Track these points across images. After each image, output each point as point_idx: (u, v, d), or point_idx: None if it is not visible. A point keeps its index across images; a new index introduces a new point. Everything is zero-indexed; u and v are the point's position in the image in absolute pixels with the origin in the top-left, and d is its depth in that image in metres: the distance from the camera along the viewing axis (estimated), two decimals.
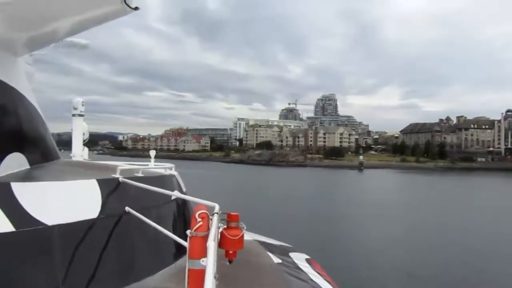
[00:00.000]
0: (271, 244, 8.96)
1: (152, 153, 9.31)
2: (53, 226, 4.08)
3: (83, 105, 11.62)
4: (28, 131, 5.97)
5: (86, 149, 12.20)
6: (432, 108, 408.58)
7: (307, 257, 8.79)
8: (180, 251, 5.19)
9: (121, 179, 5.31)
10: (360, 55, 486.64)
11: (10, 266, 3.73)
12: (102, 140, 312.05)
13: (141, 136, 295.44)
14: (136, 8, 4.39)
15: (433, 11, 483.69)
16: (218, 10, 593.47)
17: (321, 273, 7.71)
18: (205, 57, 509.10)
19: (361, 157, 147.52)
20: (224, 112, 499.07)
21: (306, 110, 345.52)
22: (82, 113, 11.57)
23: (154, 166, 8.06)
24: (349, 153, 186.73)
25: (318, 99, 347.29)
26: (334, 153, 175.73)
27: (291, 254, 8.52)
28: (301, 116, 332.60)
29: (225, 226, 3.49)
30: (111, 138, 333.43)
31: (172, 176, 7.43)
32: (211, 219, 3.09)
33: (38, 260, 3.94)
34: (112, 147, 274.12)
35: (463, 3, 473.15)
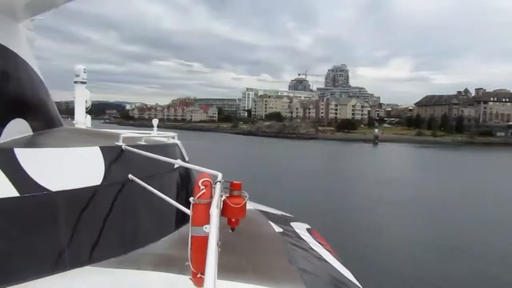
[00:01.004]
0: (273, 214, 8.98)
1: (155, 121, 9.21)
2: (57, 192, 4.14)
3: (85, 72, 11.30)
4: (31, 97, 5.83)
5: (89, 116, 11.99)
6: (443, 81, 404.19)
7: (308, 226, 8.76)
8: (183, 218, 5.24)
9: (124, 146, 5.30)
10: (371, 26, 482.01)
11: (15, 231, 3.78)
12: (110, 109, 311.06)
13: (148, 106, 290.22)
14: None
15: None
16: None
17: (322, 243, 7.67)
18: (213, 27, 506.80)
19: (376, 130, 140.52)
20: (232, 83, 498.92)
21: (316, 81, 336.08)
22: (84, 80, 11.29)
23: (156, 135, 8.04)
24: (362, 125, 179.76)
25: (329, 70, 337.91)
26: (347, 125, 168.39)
27: (292, 224, 8.46)
28: (311, 87, 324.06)
29: (228, 195, 3.49)
30: (119, 107, 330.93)
31: (174, 144, 7.42)
32: (214, 187, 3.08)
33: (42, 225, 3.99)
34: (119, 116, 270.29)
35: None
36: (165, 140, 7.57)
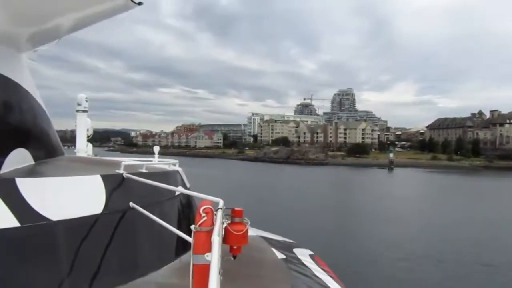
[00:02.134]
0: (275, 240, 8.92)
1: (156, 148, 9.53)
2: (58, 222, 4.12)
3: (86, 101, 11.41)
4: (32, 127, 5.87)
5: (90, 145, 12.02)
6: (448, 104, 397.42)
7: (311, 253, 8.66)
8: (184, 246, 5.21)
9: (125, 174, 5.32)
10: (374, 51, 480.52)
11: (15, 261, 3.76)
12: (115, 137, 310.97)
13: (153, 133, 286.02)
14: (139, 3, 4.43)
15: (450, 4, 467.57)
16: (230, 5, 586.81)
17: (325, 269, 7.65)
18: (218, 53, 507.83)
19: (391, 154, 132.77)
20: (237, 109, 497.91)
21: (322, 106, 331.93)
22: (86, 109, 11.40)
23: (158, 162, 8.13)
24: (373, 150, 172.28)
25: (335, 94, 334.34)
26: (358, 150, 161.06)
27: (295, 250, 8.42)
28: (317, 112, 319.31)
29: (229, 221, 3.51)
30: (124, 134, 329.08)
31: (176, 171, 7.45)
32: (215, 214, 3.08)
33: (43, 255, 3.97)
34: (123, 144, 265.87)
35: None
36: (166, 167, 7.60)
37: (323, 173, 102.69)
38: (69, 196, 4.56)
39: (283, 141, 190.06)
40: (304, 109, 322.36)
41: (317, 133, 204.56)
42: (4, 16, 4.35)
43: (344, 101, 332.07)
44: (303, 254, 8.25)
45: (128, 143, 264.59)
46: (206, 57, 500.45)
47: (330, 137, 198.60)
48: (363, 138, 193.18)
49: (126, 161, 6.12)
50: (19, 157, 5.20)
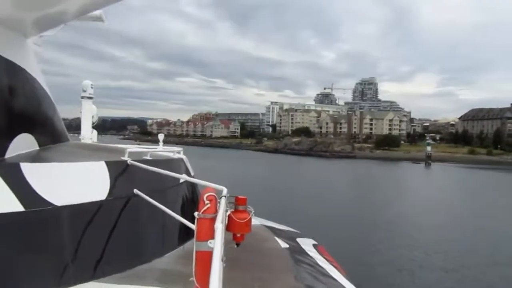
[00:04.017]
0: (279, 229, 8.88)
1: (161, 136, 9.24)
2: (62, 207, 4.14)
3: (92, 87, 11.43)
4: (37, 112, 5.90)
5: (95, 131, 12.04)
6: (470, 96, 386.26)
7: (315, 242, 8.66)
8: (187, 234, 5.16)
9: (129, 161, 5.32)
10: (395, 41, 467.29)
11: (20, 245, 3.80)
12: (132, 125, 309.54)
13: (170, 121, 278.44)
14: None
15: None
16: None
17: (329, 259, 7.62)
18: (236, 43, 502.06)
19: (428, 148, 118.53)
20: (254, 99, 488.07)
21: (342, 97, 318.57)
22: (91, 96, 11.41)
23: (162, 149, 8.04)
24: (402, 142, 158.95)
25: (357, 83, 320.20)
26: (387, 142, 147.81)
27: (299, 240, 8.41)
28: (337, 102, 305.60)
29: (233, 209, 3.54)
30: (142, 123, 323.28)
31: (180, 159, 7.46)
32: (219, 202, 3.09)
33: (47, 240, 4.02)
34: (138, 132, 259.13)
35: None
36: (170, 155, 7.55)
37: (353, 168, 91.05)
38: (73, 181, 4.57)
39: (304, 132, 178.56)
40: (324, 98, 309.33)
41: (341, 123, 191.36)
42: (9, 1, 4.31)
43: (366, 90, 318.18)
44: (307, 244, 8.20)
45: (143, 131, 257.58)
46: (225, 47, 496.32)
47: (355, 127, 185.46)
48: (390, 129, 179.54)
49: (131, 148, 6.07)
50: (24, 142, 5.16)
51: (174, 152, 7.64)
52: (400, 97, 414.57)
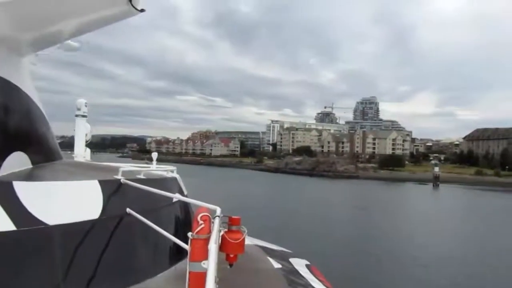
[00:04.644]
0: (271, 249, 8.87)
1: (154, 155, 9.27)
2: (55, 226, 4.10)
3: (86, 106, 11.47)
4: (31, 130, 5.92)
5: (88, 150, 12.09)
6: (470, 116, 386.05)
7: (307, 263, 8.62)
8: (180, 254, 5.21)
9: (122, 180, 5.32)
10: (394, 61, 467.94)
11: (11, 265, 3.76)
12: (131, 143, 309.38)
13: (169, 139, 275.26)
14: (142, 10, 4.52)
15: (474, 12, 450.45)
16: (250, 13, 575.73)
17: (321, 279, 7.61)
18: (236, 62, 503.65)
19: (436, 168, 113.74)
20: (254, 118, 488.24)
21: (343, 116, 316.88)
22: (85, 114, 11.44)
23: (156, 168, 8.06)
24: (406, 162, 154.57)
25: (358, 102, 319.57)
26: (391, 162, 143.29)
27: (291, 260, 8.39)
28: (338, 121, 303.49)
29: (226, 229, 3.52)
30: (141, 141, 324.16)
31: (173, 178, 7.46)
32: (213, 222, 3.08)
33: (38, 259, 3.97)
34: (136, 150, 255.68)
35: (506, 2, 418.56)
36: (164, 174, 7.58)
37: (358, 189, 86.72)
38: (66, 200, 4.53)
39: (306, 151, 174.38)
40: (325, 117, 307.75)
41: (343, 142, 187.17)
42: (6, 21, 4.37)
43: (367, 110, 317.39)
44: (300, 264, 8.18)
45: (141, 149, 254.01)
46: (225, 65, 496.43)
47: (357, 147, 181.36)
48: (393, 149, 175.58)
49: (124, 167, 6.06)
50: (17, 161, 5.16)
51: (168, 171, 7.67)
52: (399, 117, 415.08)
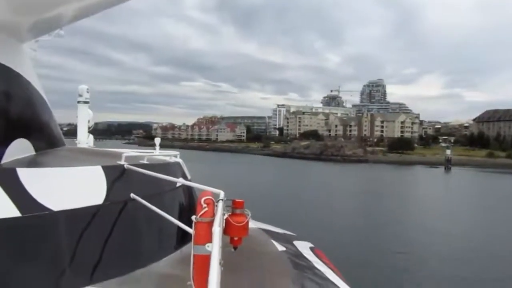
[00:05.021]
0: (275, 232, 8.81)
1: (157, 140, 8.99)
2: (59, 212, 4.15)
3: (88, 92, 11.40)
4: (33, 117, 5.93)
5: (91, 136, 12.01)
6: (477, 98, 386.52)
7: (311, 245, 8.51)
8: (185, 237, 5.24)
9: (126, 165, 5.33)
10: (400, 43, 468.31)
11: (16, 250, 3.82)
12: (137, 130, 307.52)
13: (175, 125, 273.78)
14: None
15: None
16: None
17: (325, 261, 7.56)
18: (241, 47, 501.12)
19: (448, 151, 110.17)
20: (260, 102, 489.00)
21: (349, 99, 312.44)
22: (87, 100, 11.40)
23: (159, 153, 8.03)
24: (415, 145, 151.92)
25: (364, 85, 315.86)
26: (400, 145, 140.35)
27: (295, 243, 8.32)
28: (344, 104, 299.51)
29: (230, 213, 3.56)
30: (147, 127, 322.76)
31: (177, 163, 7.46)
32: (217, 205, 3.11)
33: (43, 245, 4.02)
34: (142, 137, 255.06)
35: None
36: (167, 159, 7.57)
37: (368, 173, 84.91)
38: (70, 186, 4.56)
39: (313, 135, 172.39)
40: (331, 101, 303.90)
41: (350, 126, 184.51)
42: (5, 5, 4.35)
43: (374, 93, 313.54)
44: (304, 247, 8.12)
45: (147, 136, 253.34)
46: (229, 50, 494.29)
47: (365, 130, 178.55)
48: (402, 131, 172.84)
49: (127, 152, 6.04)
50: (20, 147, 5.20)
51: (171, 156, 7.71)
52: (405, 99, 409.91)
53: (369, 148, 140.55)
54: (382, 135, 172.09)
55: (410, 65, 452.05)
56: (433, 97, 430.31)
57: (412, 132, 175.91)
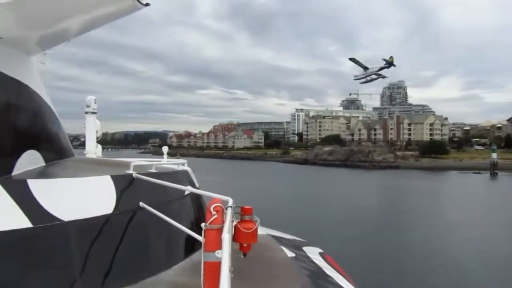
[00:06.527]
0: (285, 239, 8.82)
1: (165, 149, 9.27)
2: (70, 222, 4.19)
3: (95, 102, 11.44)
4: (43, 129, 5.98)
5: (99, 146, 12.05)
6: (496, 99, 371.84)
7: (321, 251, 8.58)
8: (194, 245, 5.35)
9: (134, 175, 5.38)
10: (417, 45, 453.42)
11: (28, 261, 3.83)
12: (154, 138, 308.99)
13: (191, 133, 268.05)
14: (147, 4, 4.51)
15: None
16: (267, 3, 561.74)
17: (335, 267, 7.58)
18: (255, 53, 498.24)
19: (494, 154, 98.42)
20: (276, 109, 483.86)
21: (368, 104, 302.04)
22: (95, 111, 11.40)
23: (167, 162, 8.17)
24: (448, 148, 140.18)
25: (385, 88, 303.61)
26: (433, 149, 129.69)
27: (305, 248, 8.35)
28: (364, 108, 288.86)
29: (239, 220, 3.59)
30: (163, 136, 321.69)
31: (184, 171, 7.54)
32: (226, 212, 3.14)
33: (55, 255, 4.07)
34: (157, 145, 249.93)
35: None
36: (175, 167, 7.69)
37: (404, 183, 75.03)
38: (80, 196, 4.62)
39: (335, 139, 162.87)
40: (350, 104, 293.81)
41: (375, 129, 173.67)
42: (13, 20, 4.44)
43: (395, 95, 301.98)
44: (313, 252, 8.12)
45: (162, 144, 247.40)
46: (244, 57, 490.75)
47: (391, 133, 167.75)
48: (431, 134, 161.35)
49: (136, 162, 6.11)
50: (30, 159, 5.23)
51: (179, 164, 7.75)
52: (424, 102, 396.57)
53: (399, 153, 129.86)
54: (409, 139, 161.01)
55: (428, 67, 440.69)
56: (451, 99, 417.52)
57: (441, 135, 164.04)
